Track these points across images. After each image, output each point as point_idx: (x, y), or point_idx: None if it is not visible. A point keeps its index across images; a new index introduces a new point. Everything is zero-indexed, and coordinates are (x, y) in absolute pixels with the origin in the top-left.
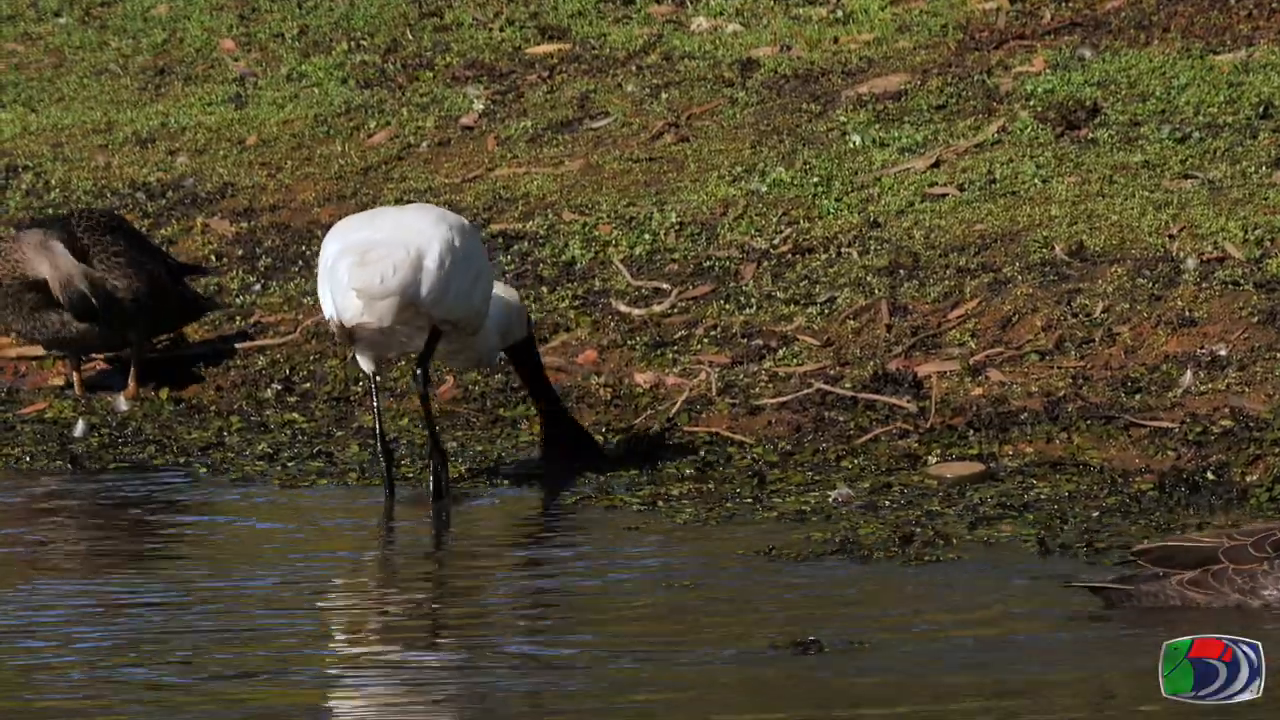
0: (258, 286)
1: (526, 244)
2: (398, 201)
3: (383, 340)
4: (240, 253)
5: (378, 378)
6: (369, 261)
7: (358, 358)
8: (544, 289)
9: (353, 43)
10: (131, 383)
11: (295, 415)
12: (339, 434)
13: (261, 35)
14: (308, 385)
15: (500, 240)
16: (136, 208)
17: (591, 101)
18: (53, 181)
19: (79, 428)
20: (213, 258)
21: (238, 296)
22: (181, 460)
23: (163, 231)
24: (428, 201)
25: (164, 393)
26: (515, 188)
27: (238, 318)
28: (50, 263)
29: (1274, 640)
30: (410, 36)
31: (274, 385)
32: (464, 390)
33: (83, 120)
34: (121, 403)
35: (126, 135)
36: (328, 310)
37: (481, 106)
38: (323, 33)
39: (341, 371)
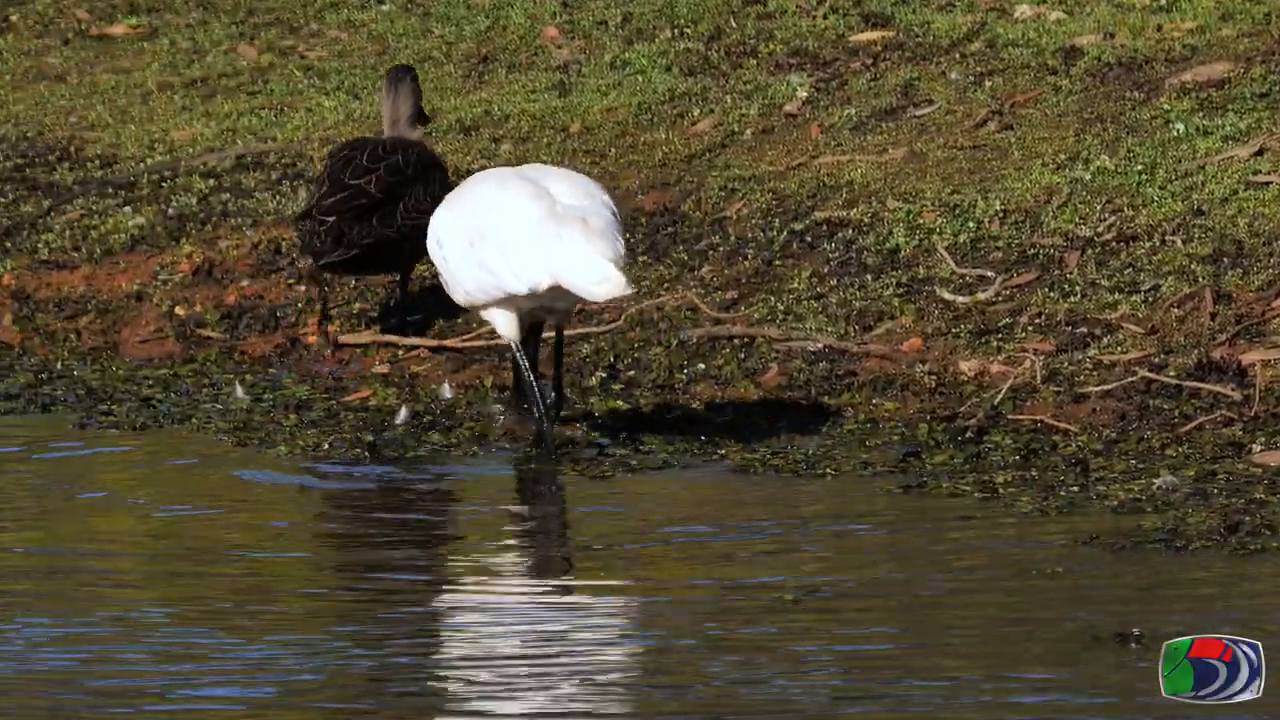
0: None
1: (850, 232)
2: (722, 190)
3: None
4: None
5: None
6: (599, 231)
7: (508, 327)
8: (868, 277)
9: (676, 30)
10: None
11: (619, 403)
12: (663, 417)
13: (585, 23)
14: (632, 373)
15: (824, 228)
16: None
17: (915, 89)
18: None
19: (401, 414)
20: None
21: None
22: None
23: None
24: (753, 190)
25: (488, 380)
26: (839, 175)
27: None
28: None
29: (1274, 640)
30: (733, 24)
31: (599, 373)
32: (789, 378)
33: None
34: (446, 389)
35: (450, 123)
36: (528, 278)
37: (805, 94)
38: (646, 20)
39: (666, 359)
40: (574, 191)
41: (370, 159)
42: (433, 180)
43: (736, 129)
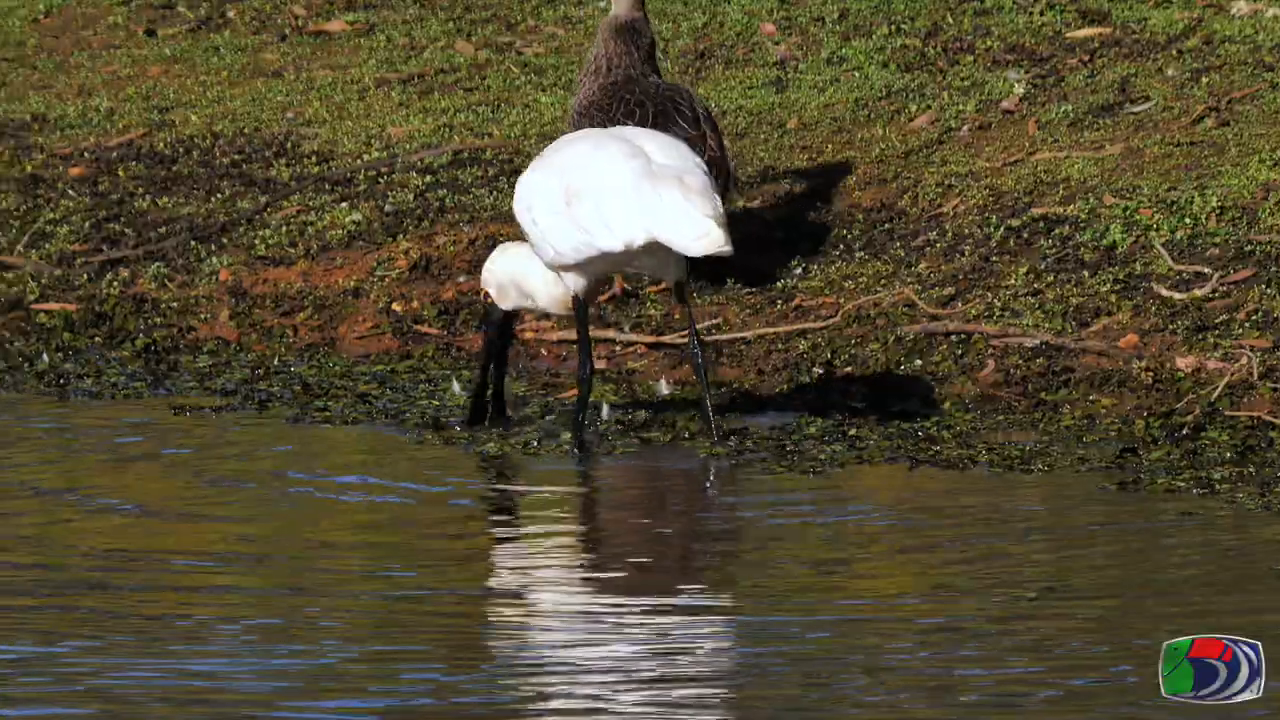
0: (799, 270)
1: (1067, 228)
2: (939, 186)
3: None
4: (780, 236)
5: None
6: (697, 189)
7: (579, 284)
8: (1084, 273)
9: (893, 26)
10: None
11: (834, 398)
12: (879, 414)
13: (802, 19)
14: (849, 369)
15: (1041, 224)
16: None
17: (1132, 85)
18: None
19: (604, 410)
20: (753, 240)
21: (778, 280)
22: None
23: None
24: (969, 186)
25: (708, 375)
26: (1055, 172)
27: (778, 301)
28: None
29: (1274, 640)
30: (951, 20)
31: (815, 369)
32: (1005, 374)
33: None
34: (663, 386)
35: None
36: (625, 235)
37: (1022, 90)
38: (863, 16)
39: (882, 356)
40: (667, 152)
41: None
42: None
43: (953, 125)
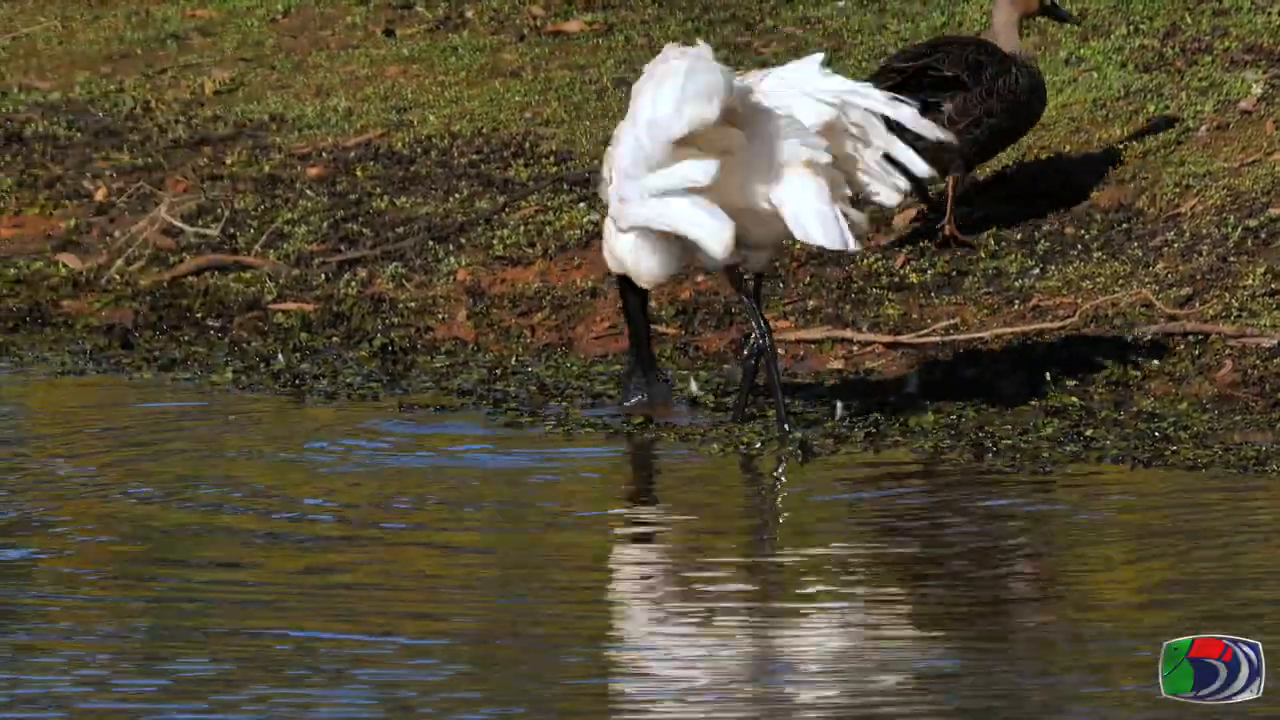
0: (1036, 270)
1: None
2: (1176, 186)
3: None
4: (1019, 237)
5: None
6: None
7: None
8: None
9: (1131, 27)
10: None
11: (1073, 398)
12: (1114, 415)
13: (1040, 18)
14: (1086, 369)
15: (1279, 225)
16: (914, 192)
17: None
18: None
19: (838, 409)
20: (990, 242)
21: (1015, 280)
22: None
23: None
24: (1207, 187)
25: (942, 375)
26: None
27: (1016, 301)
28: None
29: (1274, 640)
30: (1189, 20)
31: (1052, 368)
32: (1243, 375)
33: None
34: (913, 384)
35: None
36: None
37: (1260, 90)
38: (1102, 17)
39: (1121, 355)
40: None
41: None
42: None
43: (1191, 125)
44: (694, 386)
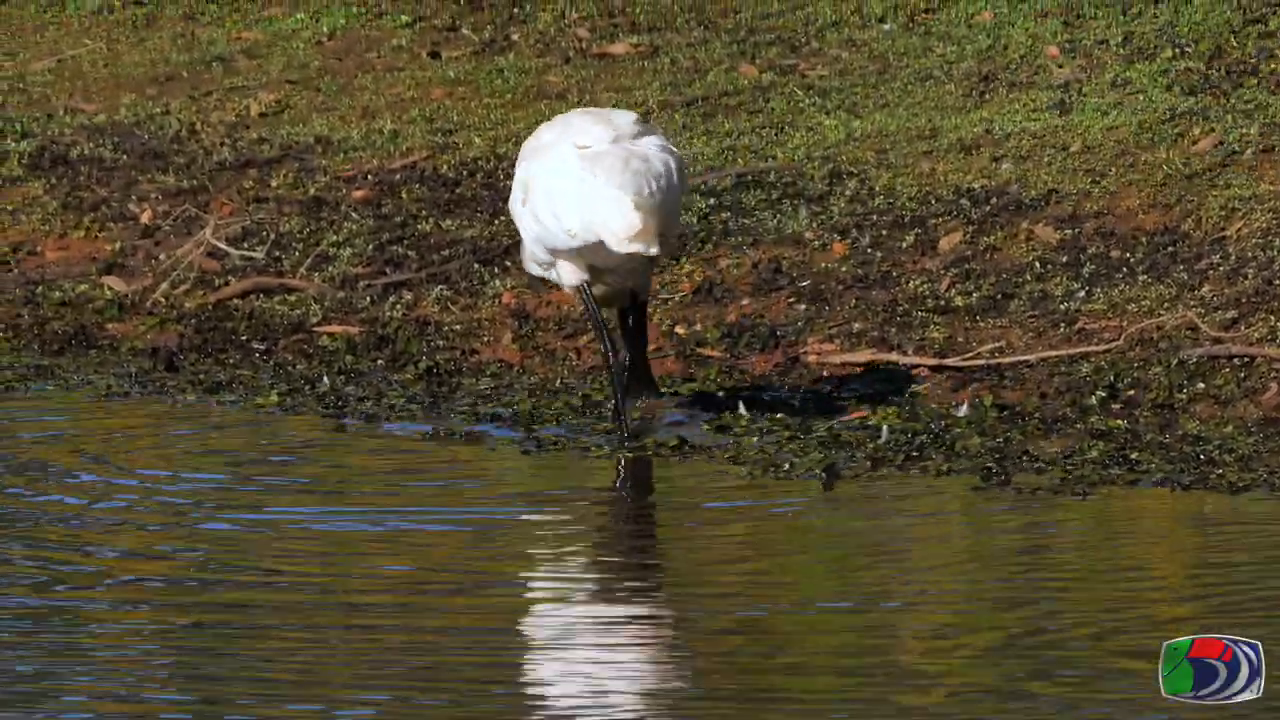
0: (1081, 293)
1: None
2: (1222, 209)
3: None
4: (1064, 259)
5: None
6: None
7: (590, 293)
8: None
9: (1177, 49)
10: None
11: (1118, 422)
12: (1159, 438)
13: (1086, 41)
14: (1132, 392)
15: None
16: (960, 214)
17: None
18: (877, 188)
19: (884, 433)
20: (1036, 264)
21: (1061, 303)
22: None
23: (986, 239)
24: (1253, 209)
25: (988, 398)
26: None
27: (1061, 324)
28: None
29: (1274, 640)
30: (1235, 43)
31: (1098, 392)
32: None
33: (907, 126)
34: (964, 408)
35: (950, 141)
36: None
37: None
38: (1147, 39)
39: (1165, 379)
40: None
41: None
42: None
43: (1237, 148)
44: (742, 408)
